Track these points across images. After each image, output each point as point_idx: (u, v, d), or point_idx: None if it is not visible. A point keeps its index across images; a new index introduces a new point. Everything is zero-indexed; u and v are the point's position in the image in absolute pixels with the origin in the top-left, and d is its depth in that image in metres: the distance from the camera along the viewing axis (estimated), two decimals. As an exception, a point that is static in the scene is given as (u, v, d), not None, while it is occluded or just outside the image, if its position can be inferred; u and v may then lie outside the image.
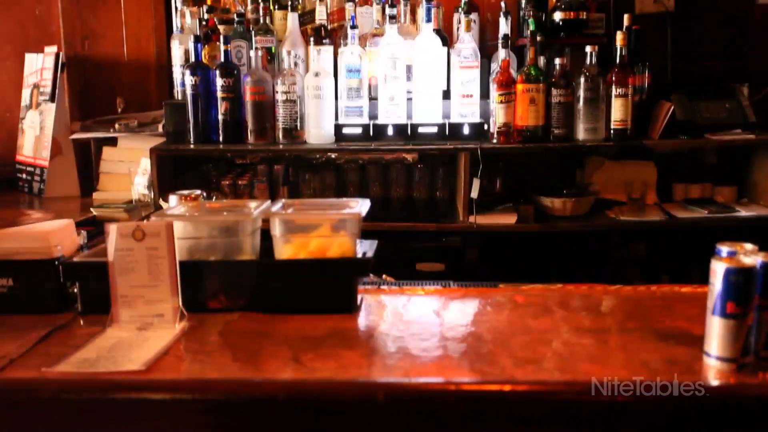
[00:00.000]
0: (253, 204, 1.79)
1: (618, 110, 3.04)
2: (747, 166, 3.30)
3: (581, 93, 3.03)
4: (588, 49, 3.04)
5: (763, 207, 3.14)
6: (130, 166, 3.21)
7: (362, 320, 1.59)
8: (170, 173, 3.14)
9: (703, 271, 1.31)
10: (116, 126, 3.42)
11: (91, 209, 3.09)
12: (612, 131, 3.06)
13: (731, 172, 3.35)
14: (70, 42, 3.66)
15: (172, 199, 1.91)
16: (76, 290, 1.63)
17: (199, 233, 1.70)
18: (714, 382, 1.25)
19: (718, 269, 1.26)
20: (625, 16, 3.16)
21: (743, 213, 3.07)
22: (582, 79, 3.03)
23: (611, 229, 3.12)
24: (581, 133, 3.07)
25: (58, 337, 1.49)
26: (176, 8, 3.35)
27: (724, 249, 1.31)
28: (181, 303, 1.53)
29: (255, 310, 1.60)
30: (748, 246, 1.32)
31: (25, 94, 3.64)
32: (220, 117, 3.10)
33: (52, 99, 3.46)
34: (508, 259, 3.16)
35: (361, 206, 1.72)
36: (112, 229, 1.54)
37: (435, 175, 3.29)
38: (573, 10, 3.14)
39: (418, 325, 1.54)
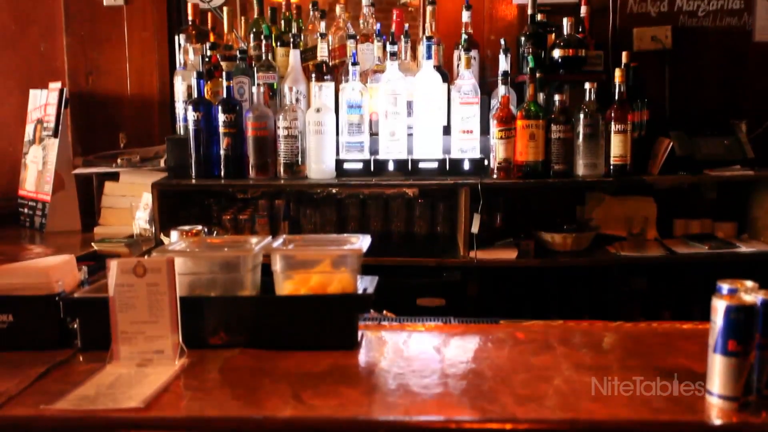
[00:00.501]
0: (254, 240, 1.80)
1: (617, 146, 3.06)
2: (747, 201, 3.31)
3: (581, 129, 3.05)
4: (587, 85, 3.07)
5: (764, 243, 3.14)
6: (131, 200, 3.22)
7: (363, 357, 1.59)
8: (171, 208, 3.15)
9: (704, 307, 1.32)
10: (118, 161, 3.44)
11: (92, 244, 3.09)
12: (612, 167, 3.08)
13: (731, 207, 3.36)
14: (74, 78, 3.70)
15: (174, 234, 1.92)
16: (76, 326, 1.63)
17: (199, 269, 1.70)
18: (716, 421, 1.24)
19: (718, 307, 1.26)
20: (623, 54, 3.20)
21: (743, 249, 3.08)
22: (581, 116, 3.05)
23: (612, 264, 3.12)
24: (581, 169, 3.08)
25: (58, 374, 1.49)
26: (180, 45, 3.39)
27: (724, 286, 1.31)
28: (181, 339, 1.52)
29: (255, 346, 1.60)
30: (749, 283, 1.32)
31: (29, 129, 3.67)
32: (222, 152, 3.12)
33: (55, 134, 3.49)
34: (508, 294, 3.16)
35: (362, 242, 1.73)
36: (113, 265, 1.54)
37: (435, 210, 3.30)
38: (572, 47, 3.18)
39: (419, 362, 1.54)
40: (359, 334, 1.66)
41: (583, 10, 3.35)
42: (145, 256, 1.64)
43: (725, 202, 3.39)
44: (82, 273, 1.82)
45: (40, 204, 3.51)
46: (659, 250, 3.13)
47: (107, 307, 1.53)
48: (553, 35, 3.28)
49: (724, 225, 3.28)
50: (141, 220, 3.14)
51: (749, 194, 3.29)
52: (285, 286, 1.70)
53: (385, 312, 2.08)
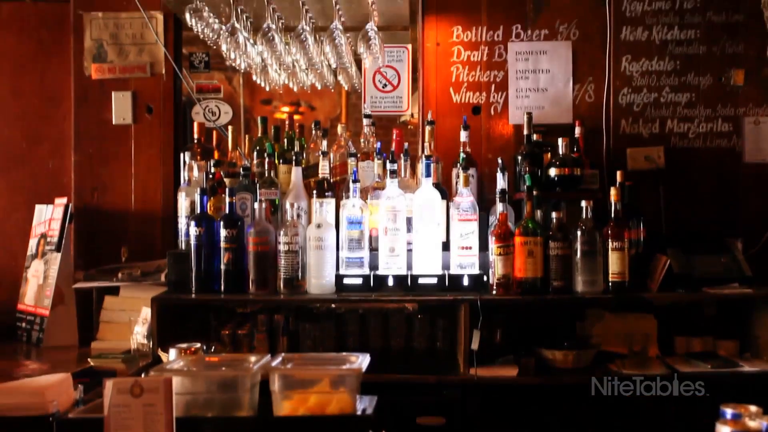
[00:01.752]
0: (252, 358, 1.79)
1: (615, 263, 3.08)
2: (748, 319, 3.30)
3: (578, 246, 3.09)
4: (583, 203, 3.13)
5: (766, 362, 3.10)
6: (130, 315, 3.21)
7: (361, 482, 1.55)
8: (170, 322, 3.13)
9: (709, 428, 1.30)
10: (119, 275, 3.46)
11: (89, 359, 3.06)
12: (610, 284, 3.10)
13: (732, 324, 3.34)
14: (80, 193, 3.76)
15: (172, 352, 1.91)
16: (69, 448, 1.60)
17: (197, 388, 1.69)
18: None
19: (723, 433, 1.24)
20: (618, 173, 3.28)
21: (746, 369, 3.04)
22: (579, 233, 3.09)
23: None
24: (580, 285, 3.09)
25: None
26: (184, 162, 3.46)
27: (728, 411, 1.30)
28: (175, 463, 1.49)
29: (251, 470, 1.57)
30: (753, 408, 1.31)
31: (32, 243, 3.71)
32: (223, 267, 3.14)
33: (58, 249, 3.52)
34: (510, 411, 3.09)
35: (361, 362, 1.72)
36: (109, 385, 1.53)
37: (435, 326, 3.28)
38: (567, 166, 3.27)
39: (419, 488, 1.50)
40: (358, 457, 1.63)
41: (578, 130, 3.47)
42: (142, 374, 1.63)
43: (726, 319, 3.37)
44: (78, 392, 1.80)
45: (38, 318, 3.50)
46: (661, 368, 3.09)
47: (101, 427, 1.50)
48: (549, 154, 3.37)
49: (726, 343, 3.25)
50: (139, 335, 3.11)
51: (749, 312, 3.28)
52: (283, 406, 1.68)
53: (383, 433, 2.04)
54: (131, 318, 3.18)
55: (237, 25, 3.18)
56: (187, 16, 3.14)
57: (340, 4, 3.20)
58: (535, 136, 3.43)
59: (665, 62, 3.66)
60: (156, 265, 3.53)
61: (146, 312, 3.12)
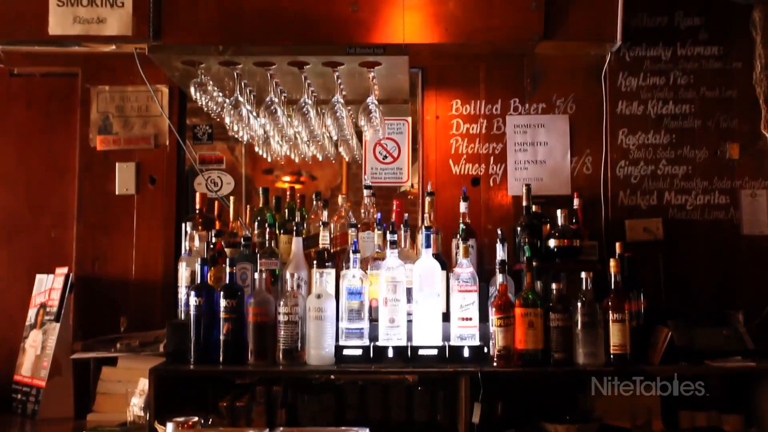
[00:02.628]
0: (250, 432, 1.77)
1: (616, 335, 3.07)
2: (752, 393, 3.25)
3: (579, 317, 3.08)
4: (583, 274, 3.13)
5: (775, 438, 3.06)
6: (127, 386, 3.18)
7: None
8: (168, 393, 3.09)
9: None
10: (117, 345, 3.43)
11: (84, 432, 3.02)
12: (612, 356, 3.07)
13: (736, 398, 3.30)
14: (81, 263, 3.77)
15: (169, 426, 1.88)
16: None
17: (193, 465, 1.66)
18: None
19: None
20: (617, 244, 3.29)
21: (753, 444, 3.00)
22: (579, 304, 3.09)
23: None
24: (581, 357, 3.07)
25: None
26: (186, 232, 3.47)
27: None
28: None
29: None
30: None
31: (31, 313, 3.69)
32: (222, 337, 3.11)
33: (57, 319, 3.51)
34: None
35: (360, 437, 1.70)
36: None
37: (435, 398, 3.25)
38: (566, 237, 3.29)
39: None
40: None
41: (576, 202, 3.51)
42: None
43: (730, 392, 3.33)
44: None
45: (34, 390, 3.46)
46: (666, 443, 3.05)
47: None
48: (548, 225, 3.40)
49: (731, 417, 3.20)
50: (136, 407, 3.07)
51: (754, 386, 3.25)
52: (280, 483, 1.65)
53: None
54: (128, 389, 3.14)
55: (240, 99, 3.25)
56: (192, 90, 3.21)
57: (342, 78, 3.27)
58: (534, 208, 3.47)
59: (661, 135, 3.73)
60: (154, 336, 3.51)
61: (143, 383, 3.09)
